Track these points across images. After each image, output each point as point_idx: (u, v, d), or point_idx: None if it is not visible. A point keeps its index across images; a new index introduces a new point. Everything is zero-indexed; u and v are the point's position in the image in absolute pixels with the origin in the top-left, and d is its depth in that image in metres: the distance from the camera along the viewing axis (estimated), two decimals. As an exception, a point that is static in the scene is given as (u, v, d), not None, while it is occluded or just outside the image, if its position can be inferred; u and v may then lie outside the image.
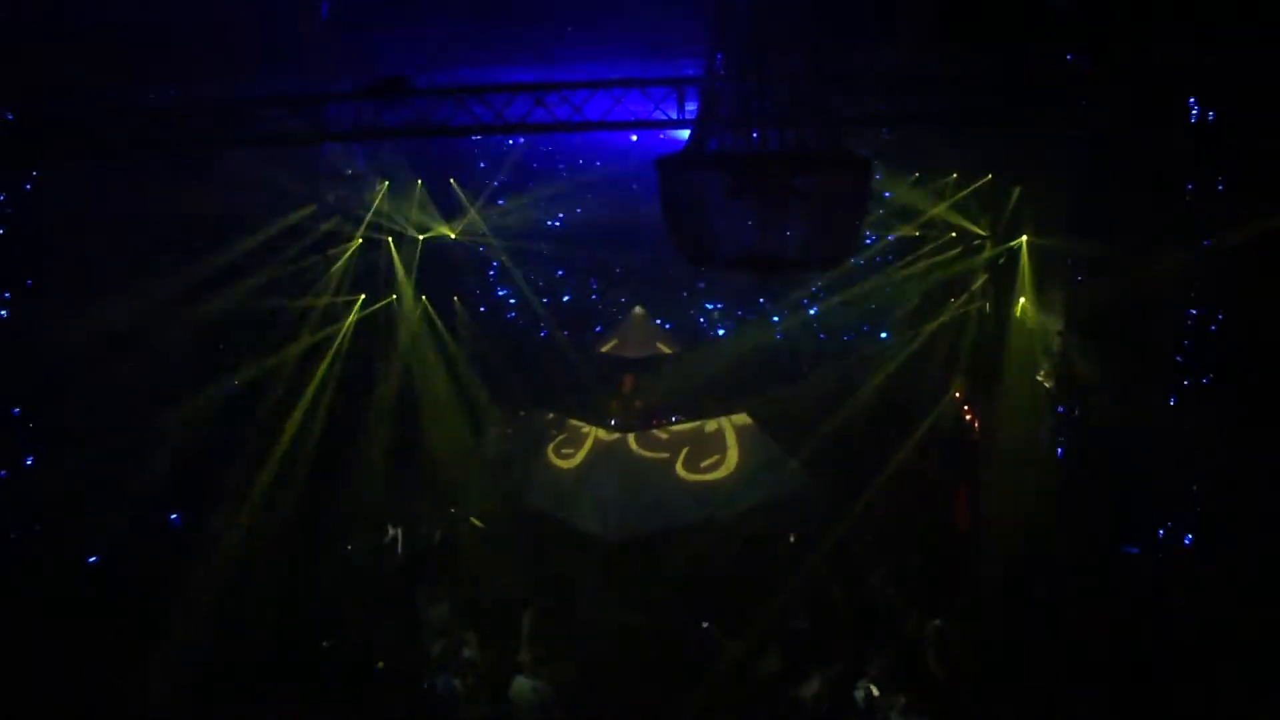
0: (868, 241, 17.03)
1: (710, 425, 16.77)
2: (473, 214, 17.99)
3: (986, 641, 10.49)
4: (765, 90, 7.51)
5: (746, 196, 7.37)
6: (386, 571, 13.75)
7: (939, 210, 16.39)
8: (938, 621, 10.32)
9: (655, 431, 16.49)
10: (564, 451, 17.21)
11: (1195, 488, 11.93)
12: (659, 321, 19.39)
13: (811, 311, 19.17)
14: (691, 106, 11.17)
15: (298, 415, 15.68)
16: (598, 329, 19.43)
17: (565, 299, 19.87)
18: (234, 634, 11.16)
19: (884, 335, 18.89)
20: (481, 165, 17.90)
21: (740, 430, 17.01)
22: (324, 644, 10.99)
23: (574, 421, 17.49)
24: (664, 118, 11.37)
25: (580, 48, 12.16)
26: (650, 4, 10.80)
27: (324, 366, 16.40)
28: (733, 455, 16.53)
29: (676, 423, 17.40)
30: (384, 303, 17.80)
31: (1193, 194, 11.71)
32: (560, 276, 19.90)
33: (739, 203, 7.41)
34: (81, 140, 12.44)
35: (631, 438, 16.52)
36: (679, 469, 16.13)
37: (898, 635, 10.72)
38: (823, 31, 7.92)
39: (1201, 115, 10.99)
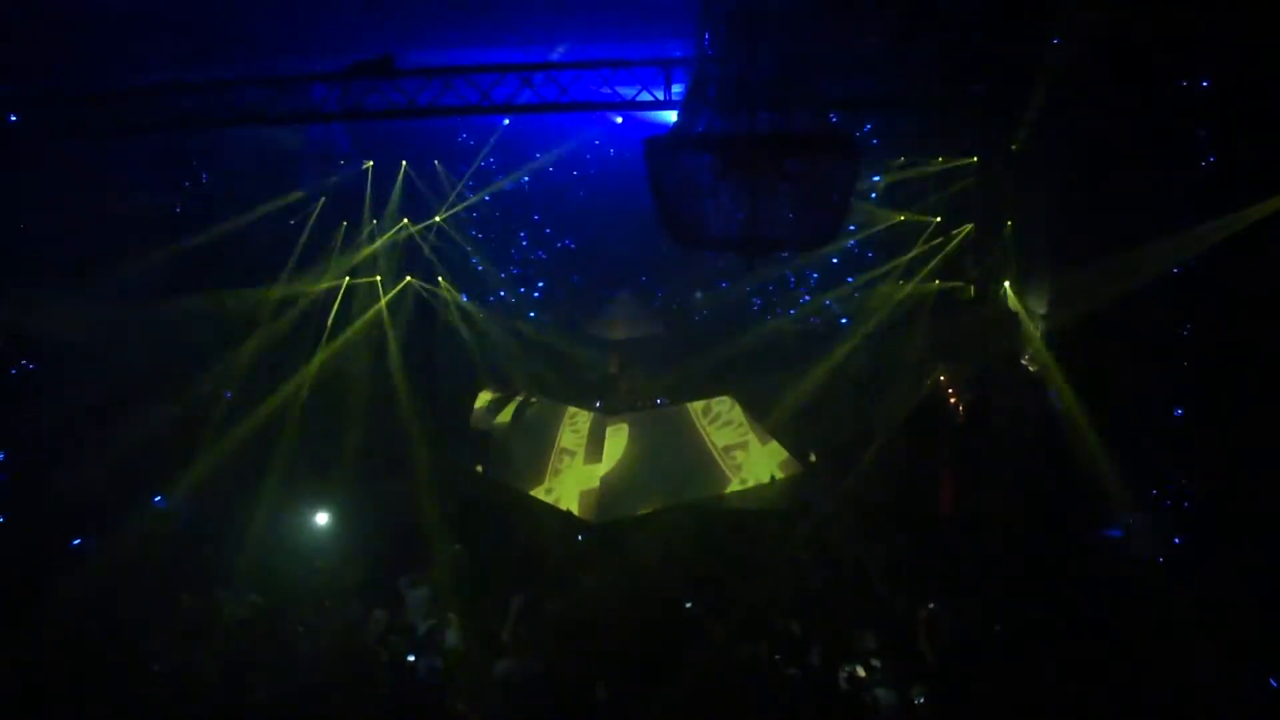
0: (852, 227, 17.03)
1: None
2: (457, 195, 17.92)
3: (974, 624, 10.54)
4: (754, 72, 7.49)
5: (734, 177, 7.37)
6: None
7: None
8: (931, 605, 10.35)
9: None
10: (546, 431, 17.20)
11: (1180, 472, 12.03)
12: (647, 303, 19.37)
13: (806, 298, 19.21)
14: (679, 88, 11.14)
15: (282, 397, 15.68)
16: (585, 310, 19.37)
17: (552, 280, 19.77)
18: (213, 614, 11.09)
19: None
20: (468, 146, 17.77)
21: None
22: (300, 628, 10.92)
23: (558, 402, 17.46)
24: (651, 98, 11.33)
25: (568, 28, 12.09)
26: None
27: (320, 355, 16.41)
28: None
29: (661, 405, 17.38)
30: (366, 281, 17.71)
31: (1181, 180, 11.76)
32: (545, 258, 19.82)
33: (727, 184, 7.40)
34: (63, 122, 12.32)
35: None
36: None
37: (884, 617, 10.76)
38: (811, 14, 7.91)
39: (1190, 101, 11.03)
